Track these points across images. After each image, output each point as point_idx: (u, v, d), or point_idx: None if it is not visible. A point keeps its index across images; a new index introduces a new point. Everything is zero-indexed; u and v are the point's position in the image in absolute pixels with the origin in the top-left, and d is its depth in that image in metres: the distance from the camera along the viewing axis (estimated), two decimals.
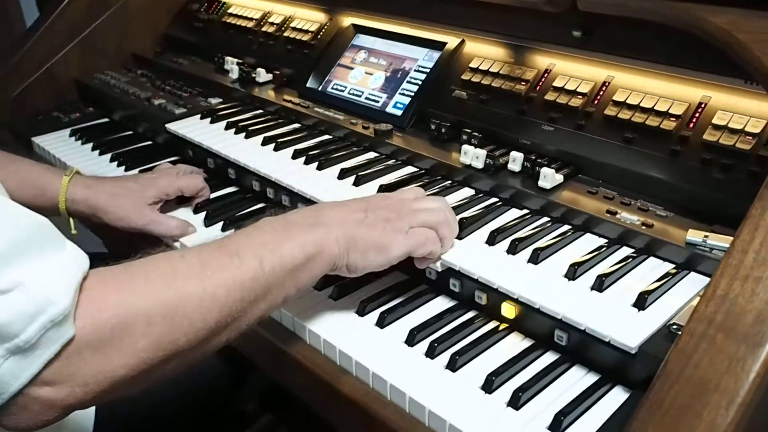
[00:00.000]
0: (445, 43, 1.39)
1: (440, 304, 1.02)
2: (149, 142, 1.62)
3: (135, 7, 1.89)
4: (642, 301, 0.86)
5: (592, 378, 0.87)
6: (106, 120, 1.76)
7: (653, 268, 0.95)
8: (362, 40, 1.54)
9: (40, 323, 0.62)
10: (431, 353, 0.91)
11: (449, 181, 1.21)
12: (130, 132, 1.68)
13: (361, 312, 0.99)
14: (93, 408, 1.06)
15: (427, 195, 1.07)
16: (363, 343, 0.94)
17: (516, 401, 0.82)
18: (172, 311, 0.71)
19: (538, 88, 1.22)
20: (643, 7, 1.01)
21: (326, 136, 1.41)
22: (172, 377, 0.77)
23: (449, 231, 0.98)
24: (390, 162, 1.29)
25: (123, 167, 1.49)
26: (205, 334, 0.74)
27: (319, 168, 1.26)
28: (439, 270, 0.99)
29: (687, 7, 0.95)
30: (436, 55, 1.39)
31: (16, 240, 0.64)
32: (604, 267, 0.94)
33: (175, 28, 1.97)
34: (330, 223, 0.88)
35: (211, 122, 1.50)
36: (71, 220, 1.24)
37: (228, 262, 0.78)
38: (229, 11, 1.85)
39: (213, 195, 1.33)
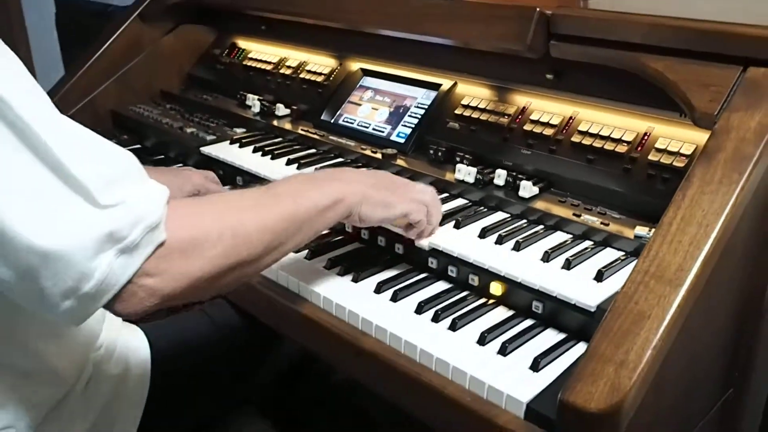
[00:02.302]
0: (440, 85, 1.64)
1: (440, 286, 1.25)
2: (180, 165, 1.86)
3: (165, 51, 2.16)
4: (600, 276, 1.11)
5: (561, 336, 1.11)
6: (138, 146, 2.00)
7: (609, 255, 1.20)
8: (369, 81, 1.80)
9: (141, 228, 0.81)
10: (436, 318, 1.14)
11: (445, 194, 1.46)
12: (162, 156, 1.92)
13: (378, 290, 1.22)
14: (149, 367, 1.28)
15: None
16: (381, 312, 1.16)
17: (504, 350, 1.06)
18: (236, 231, 0.94)
19: (517, 120, 1.48)
20: (602, 55, 1.27)
21: (340, 159, 1.67)
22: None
23: (436, 210, 1.25)
24: None
25: None
26: (259, 251, 0.98)
27: None
28: (427, 249, 1.24)
29: (634, 55, 1.22)
30: (433, 94, 1.65)
31: (120, 168, 0.84)
32: (571, 253, 1.20)
33: (198, 69, 2.22)
34: (348, 180, 1.16)
35: (240, 147, 1.74)
36: None
37: (274, 201, 1.04)
38: (249, 56, 2.12)
39: None
